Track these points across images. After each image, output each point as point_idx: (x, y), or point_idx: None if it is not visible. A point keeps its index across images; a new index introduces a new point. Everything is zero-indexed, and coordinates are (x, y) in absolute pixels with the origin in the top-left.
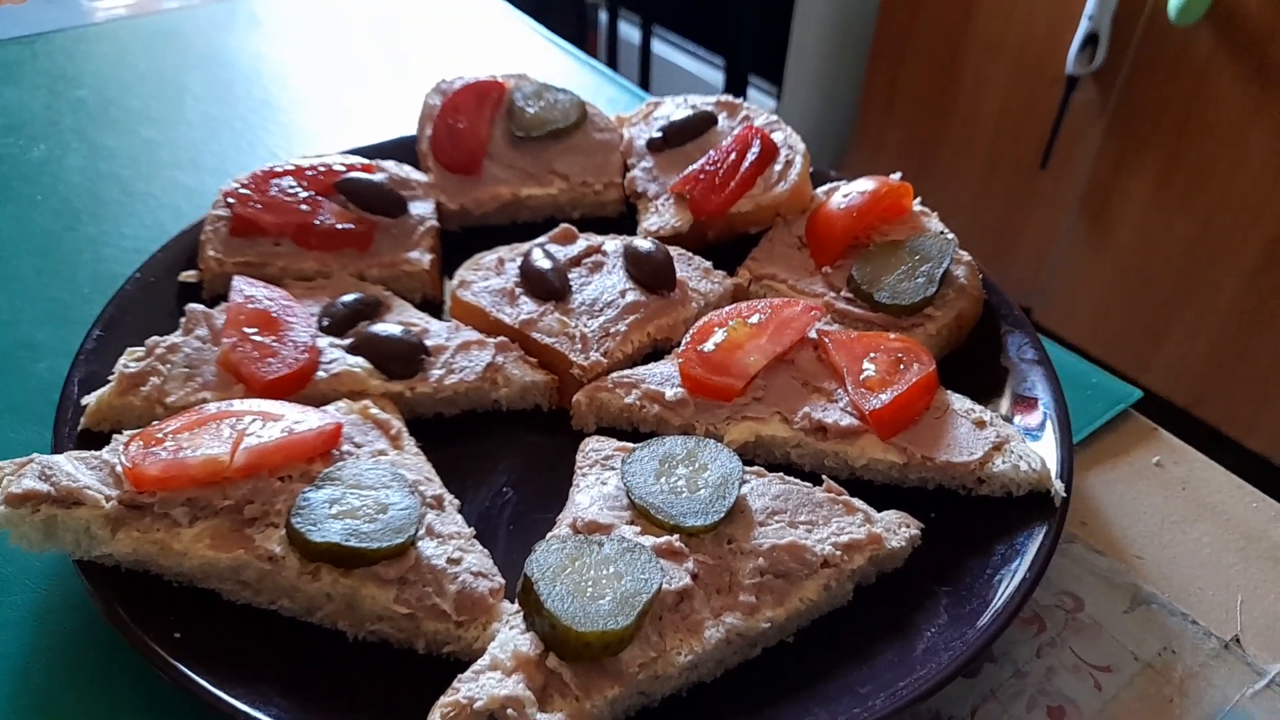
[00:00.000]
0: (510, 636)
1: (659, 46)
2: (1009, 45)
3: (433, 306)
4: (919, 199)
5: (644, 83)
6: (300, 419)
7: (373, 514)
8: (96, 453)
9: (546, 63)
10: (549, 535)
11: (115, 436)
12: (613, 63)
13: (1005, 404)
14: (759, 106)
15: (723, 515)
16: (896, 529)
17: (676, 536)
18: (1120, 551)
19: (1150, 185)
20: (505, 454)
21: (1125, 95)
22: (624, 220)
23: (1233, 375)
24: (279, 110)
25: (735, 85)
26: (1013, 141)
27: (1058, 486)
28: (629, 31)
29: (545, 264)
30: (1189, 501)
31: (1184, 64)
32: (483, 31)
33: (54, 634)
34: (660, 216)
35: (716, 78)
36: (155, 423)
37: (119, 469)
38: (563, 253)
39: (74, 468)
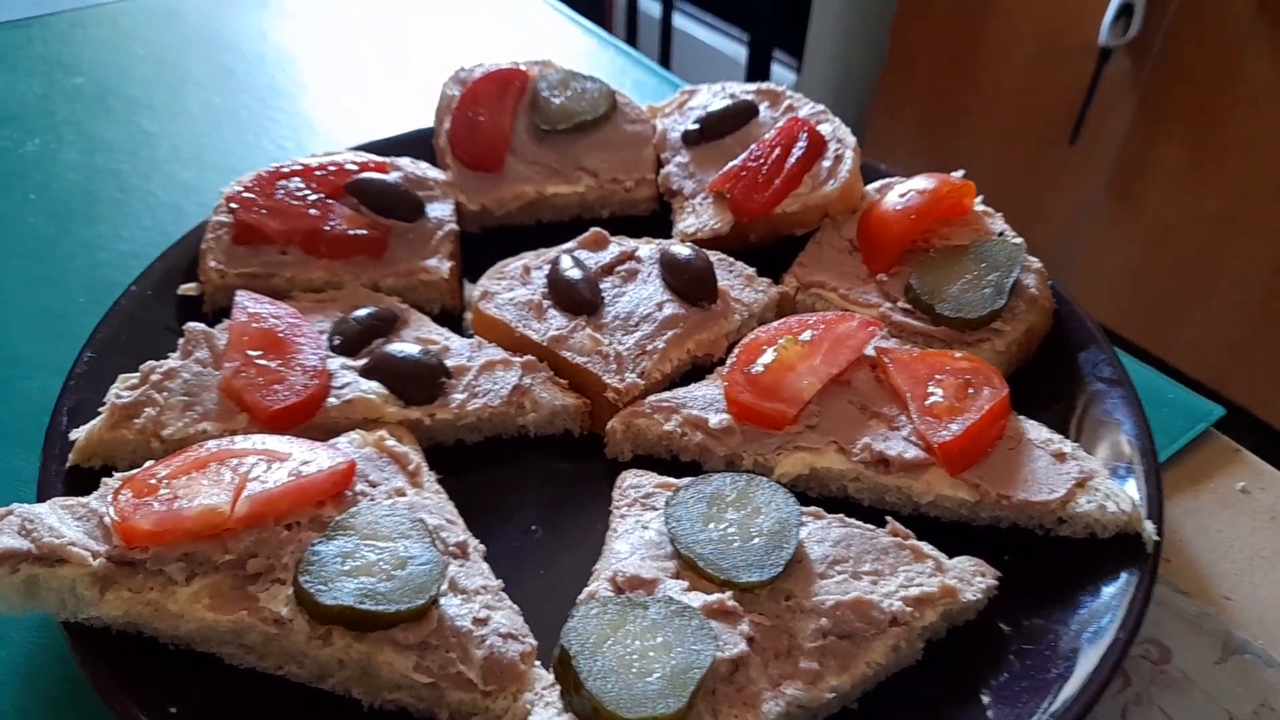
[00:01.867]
0: (547, 717)
1: (680, 20)
2: (1036, 15)
3: (453, 318)
4: (980, 197)
5: (664, 58)
6: (309, 458)
7: (390, 570)
8: (84, 500)
9: (565, 43)
10: (585, 593)
11: (105, 480)
12: (632, 39)
13: (1082, 431)
14: (779, 82)
15: (781, 568)
16: (971, 579)
17: (729, 594)
18: (1207, 592)
19: (1180, 160)
20: (533, 485)
21: (1159, 67)
22: (657, 220)
23: (1260, 354)
24: (285, 98)
25: (758, 59)
26: (1038, 114)
27: (1149, 530)
28: (648, 5)
29: (575, 273)
30: (1279, 533)
31: (1221, 34)
32: (500, 10)
33: (41, 695)
34: (698, 217)
35: (739, 52)
36: (149, 464)
37: (108, 521)
38: (593, 260)
39: (58, 520)
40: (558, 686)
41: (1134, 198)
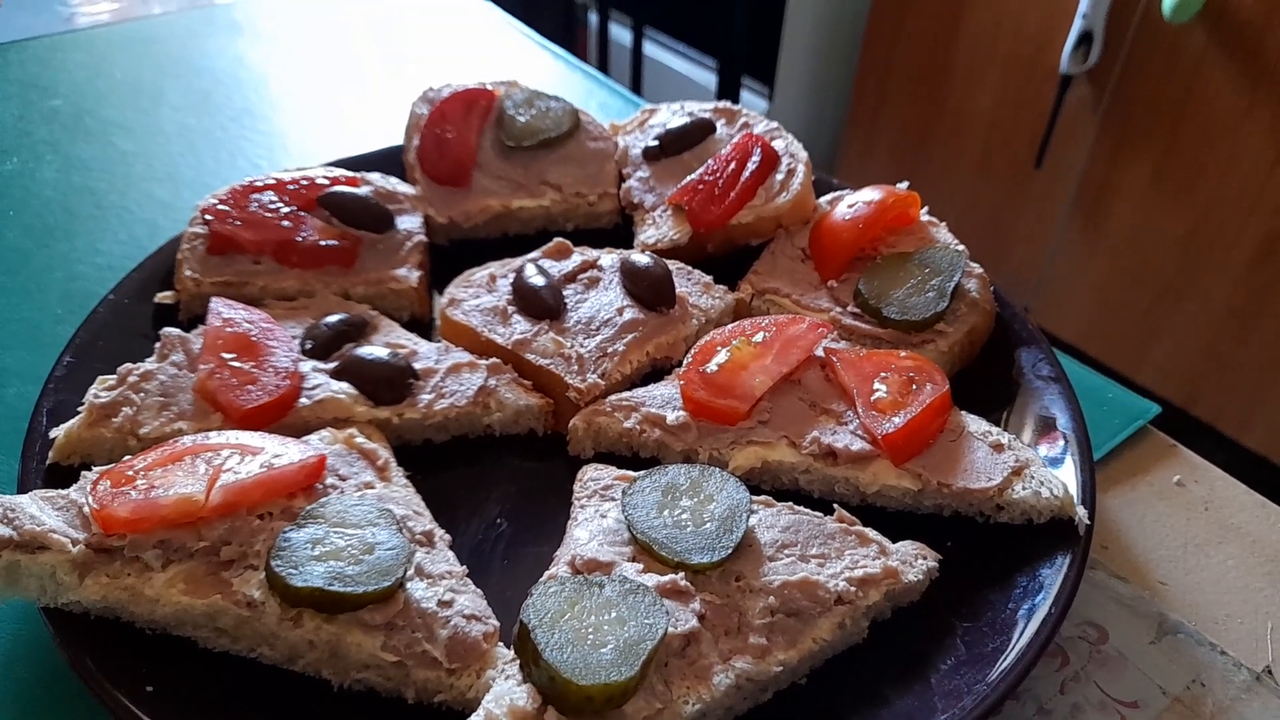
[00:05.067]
0: (506, 689)
1: (650, 48)
2: (1001, 44)
3: (421, 325)
4: (925, 208)
5: (635, 85)
6: (281, 452)
7: (358, 555)
8: (63, 492)
9: (536, 67)
10: (546, 575)
11: (84, 473)
12: (604, 65)
13: (1022, 425)
14: (751, 109)
15: (730, 551)
16: (913, 561)
17: (682, 575)
18: (1144, 577)
19: (1144, 183)
20: (498, 482)
21: (1119, 93)
22: (619, 232)
23: (1228, 372)
24: (259, 119)
25: (728, 86)
26: (1005, 140)
27: (1081, 514)
28: (620, 33)
29: (539, 281)
30: (1212, 523)
31: (1177, 62)
32: (470, 36)
33: (19, 682)
34: (658, 229)
35: (709, 79)
36: (126, 458)
37: (87, 510)
38: (557, 268)
39: (38, 509)
40: (518, 661)
41: (1100, 221)
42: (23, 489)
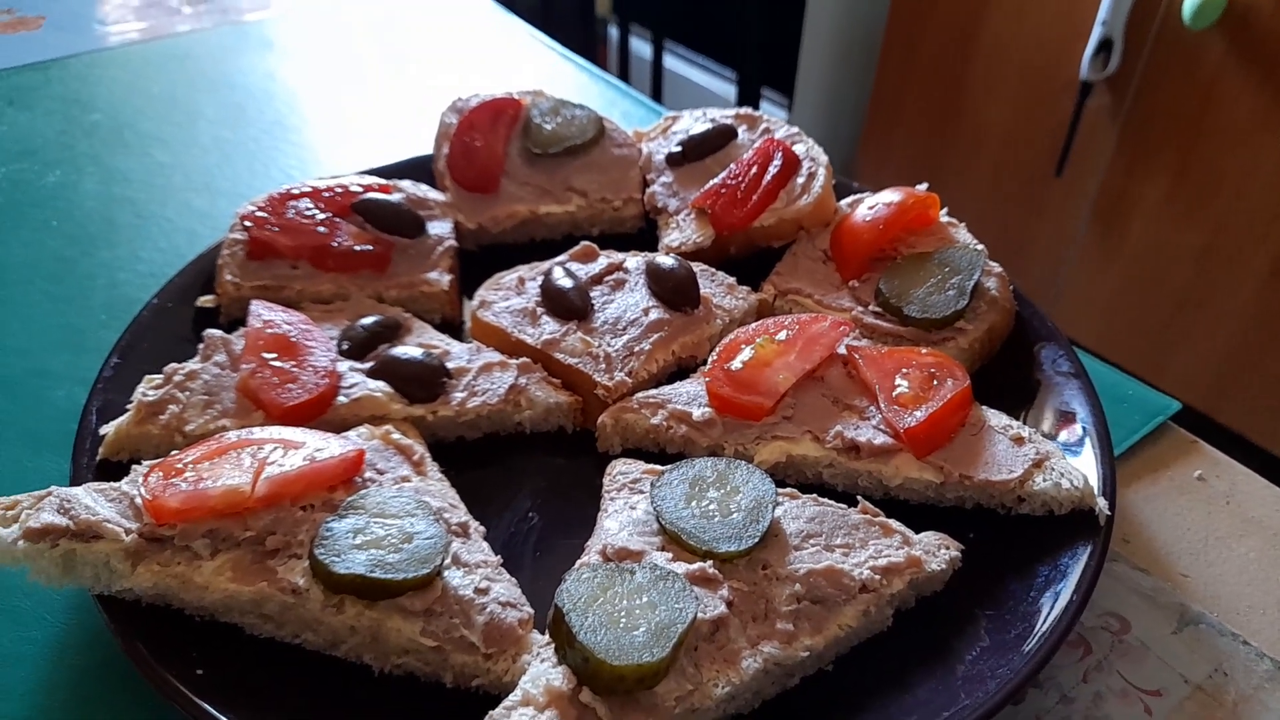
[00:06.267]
0: (542, 670)
1: (670, 60)
2: (1019, 51)
3: (452, 327)
4: (944, 209)
5: (656, 96)
6: (321, 446)
7: (397, 544)
8: (115, 484)
9: (560, 78)
10: (579, 563)
11: (134, 467)
12: (624, 77)
13: (1042, 419)
14: (774, 117)
15: (757, 540)
16: (936, 551)
17: (710, 563)
18: (1165, 570)
19: (1163, 191)
20: (529, 477)
21: (1138, 101)
22: (644, 236)
23: (1250, 380)
24: (291, 131)
25: (747, 97)
26: (1023, 148)
27: (1101, 504)
28: (640, 46)
29: (566, 283)
30: (1233, 516)
31: (1198, 69)
32: (496, 48)
33: (73, 669)
34: (681, 232)
35: (728, 90)
36: (174, 453)
37: (138, 501)
38: (584, 271)
39: (93, 500)
40: (552, 645)
41: (1119, 228)
42: (75, 484)
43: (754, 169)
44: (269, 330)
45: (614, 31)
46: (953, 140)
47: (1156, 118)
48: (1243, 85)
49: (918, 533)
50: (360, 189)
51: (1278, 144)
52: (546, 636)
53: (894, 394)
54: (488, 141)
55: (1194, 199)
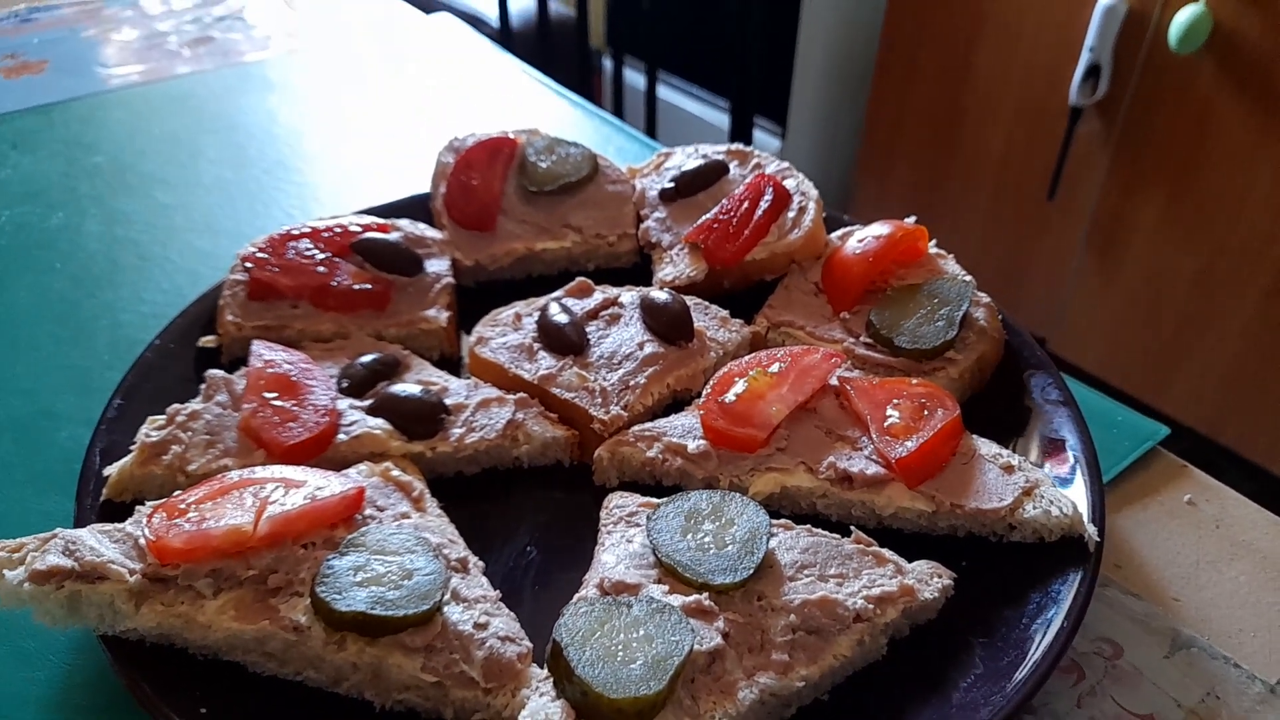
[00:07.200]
0: (541, 704)
1: (664, 91)
2: (1011, 79)
3: (451, 364)
4: (934, 240)
5: (650, 128)
6: (322, 485)
7: (398, 580)
8: (120, 525)
9: (554, 114)
10: (576, 597)
11: (138, 508)
12: (618, 109)
13: (1032, 447)
14: (764, 149)
15: (752, 571)
16: (929, 580)
17: (706, 595)
18: (1157, 594)
19: (1158, 214)
20: (528, 512)
21: (1129, 125)
22: (639, 271)
23: (1253, 401)
24: (293, 171)
25: (741, 127)
26: (1019, 175)
27: (1091, 531)
28: (634, 77)
29: (562, 318)
30: (1223, 540)
31: (1187, 93)
32: (491, 86)
33: (78, 709)
34: (675, 266)
35: (722, 120)
36: (177, 493)
37: (142, 542)
38: (579, 306)
39: (97, 542)
40: (551, 679)
41: (1116, 252)
42: (79, 524)
43: (746, 204)
44: (270, 370)
45: (608, 63)
46: (948, 167)
47: (1149, 141)
48: (1234, 107)
49: (910, 562)
50: (359, 229)
51: (1272, 165)
52: (545, 670)
53: (885, 424)
54: (485, 180)
55: (1191, 221)
